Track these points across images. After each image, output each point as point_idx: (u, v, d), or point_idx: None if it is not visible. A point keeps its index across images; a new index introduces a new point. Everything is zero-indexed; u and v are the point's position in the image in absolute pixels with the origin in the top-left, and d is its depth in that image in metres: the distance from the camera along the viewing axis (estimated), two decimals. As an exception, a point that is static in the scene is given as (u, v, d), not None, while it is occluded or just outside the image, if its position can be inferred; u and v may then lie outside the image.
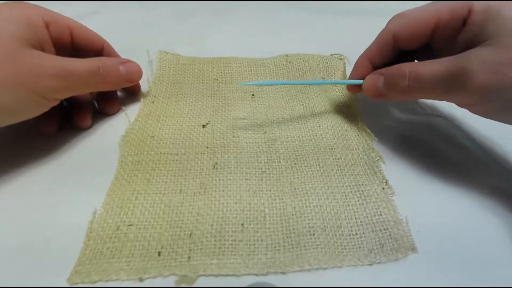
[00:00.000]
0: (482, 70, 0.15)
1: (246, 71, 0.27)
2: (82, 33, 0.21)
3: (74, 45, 0.21)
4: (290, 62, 0.28)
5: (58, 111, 0.20)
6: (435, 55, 0.19)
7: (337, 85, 0.26)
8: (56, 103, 0.19)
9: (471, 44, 0.17)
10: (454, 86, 0.16)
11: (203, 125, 0.22)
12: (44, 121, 0.20)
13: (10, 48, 0.16)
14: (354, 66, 0.21)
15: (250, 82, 0.22)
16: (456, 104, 0.18)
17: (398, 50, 0.20)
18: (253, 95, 0.25)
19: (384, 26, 0.20)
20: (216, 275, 0.15)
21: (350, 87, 0.22)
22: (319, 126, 0.23)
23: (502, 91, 0.15)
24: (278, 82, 0.21)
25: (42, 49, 0.18)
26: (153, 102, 0.24)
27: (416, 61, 0.22)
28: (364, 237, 0.17)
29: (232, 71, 0.27)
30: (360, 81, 0.21)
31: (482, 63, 0.15)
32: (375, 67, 0.21)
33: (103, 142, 0.21)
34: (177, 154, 0.20)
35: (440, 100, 0.18)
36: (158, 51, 0.28)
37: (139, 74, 0.22)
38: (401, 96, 0.19)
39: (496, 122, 0.18)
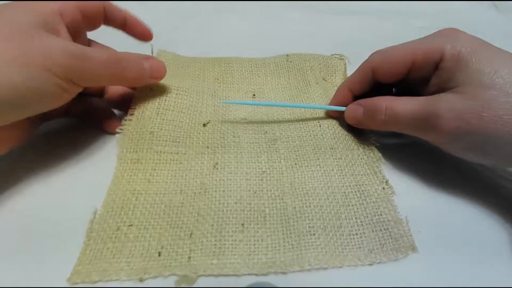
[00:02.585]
0: (449, 116, 0.17)
1: (247, 71, 0.27)
2: (92, 6, 0.20)
3: (89, 22, 0.20)
4: (291, 61, 0.28)
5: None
6: (410, 88, 0.21)
7: (335, 89, 0.26)
8: (76, 89, 0.17)
9: (442, 87, 0.18)
10: (424, 127, 0.18)
11: (204, 124, 0.22)
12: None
13: (19, 29, 0.16)
14: (336, 93, 0.23)
15: (233, 101, 0.23)
16: (426, 140, 0.19)
17: (377, 82, 0.21)
18: (254, 95, 0.25)
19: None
20: (216, 275, 0.16)
21: (332, 112, 0.23)
22: (320, 126, 0.23)
23: (466, 135, 0.17)
24: (262, 103, 0.23)
25: (58, 35, 0.18)
26: (151, 89, 0.22)
27: (394, 89, 0.23)
28: (365, 237, 0.17)
29: (233, 71, 0.27)
30: (343, 108, 0.22)
31: (450, 110, 0.17)
32: (355, 95, 0.22)
33: (101, 138, 0.21)
34: (178, 153, 0.20)
35: (413, 135, 0.19)
36: (158, 50, 0.28)
37: (163, 70, 0.21)
38: (378, 127, 0.20)
39: None
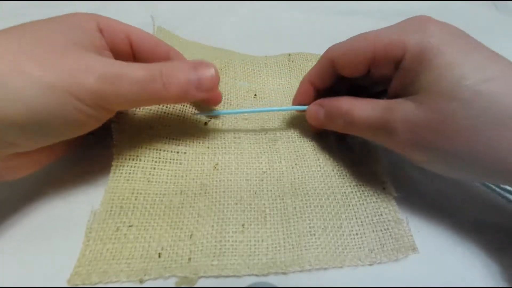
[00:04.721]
0: (404, 128, 0.15)
1: (249, 69, 0.26)
2: (141, 39, 0.18)
3: (134, 53, 0.18)
4: (292, 61, 0.28)
5: None
6: (378, 84, 0.19)
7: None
8: (107, 115, 0.15)
9: (402, 90, 0.16)
10: (381, 136, 0.16)
11: (205, 123, 0.21)
12: None
13: (55, 46, 0.14)
14: (298, 89, 0.21)
15: (204, 113, 0.21)
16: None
17: (339, 75, 0.19)
18: (255, 95, 0.25)
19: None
20: (216, 276, 0.15)
21: (299, 111, 0.22)
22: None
23: (422, 150, 0.15)
24: (234, 111, 0.22)
25: (98, 53, 0.16)
26: None
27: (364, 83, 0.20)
28: (365, 237, 0.17)
29: (235, 66, 0.26)
30: (305, 107, 0.20)
31: (405, 121, 0.15)
32: (318, 90, 0.20)
33: (101, 136, 0.21)
34: (178, 152, 0.20)
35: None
36: (157, 27, 0.25)
37: (214, 80, 0.17)
38: (340, 131, 0.19)
39: None
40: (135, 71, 0.15)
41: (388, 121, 0.15)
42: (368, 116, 0.16)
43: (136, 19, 0.33)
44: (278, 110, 0.23)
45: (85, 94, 0.14)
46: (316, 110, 0.19)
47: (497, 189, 0.20)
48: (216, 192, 0.18)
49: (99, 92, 0.14)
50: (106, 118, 0.16)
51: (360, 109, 0.17)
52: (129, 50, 0.18)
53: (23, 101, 0.13)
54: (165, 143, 0.20)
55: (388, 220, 0.18)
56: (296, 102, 0.21)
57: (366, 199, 0.19)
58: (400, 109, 0.15)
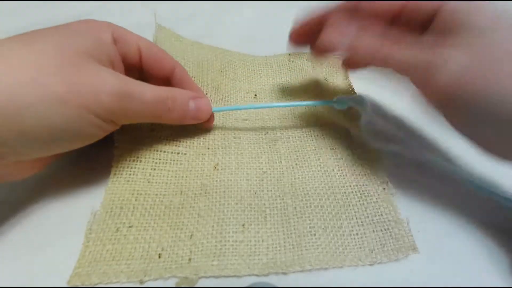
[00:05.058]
0: (447, 71, 0.14)
1: (249, 70, 0.26)
2: (150, 52, 0.19)
3: (141, 65, 0.19)
4: (293, 61, 0.28)
5: None
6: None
7: (341, 83, 0.26)
8: (114, 128, 0.16)
9: (445, 34, 0.15)
10: (418, 78, 0.15)
11: None
12: None
13: (69, 57, 0.14)
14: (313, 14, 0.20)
15: (219, 108, 0.21)
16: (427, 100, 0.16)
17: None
18: (255, 95, 0.25)
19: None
20: (217, 276, 0.15)
21: (317, 53, 0.19)
22: (320, 126, 0.23)
23: (457, 96, 0.14)
24: (239, 107, 0.22)
25: (112, 66, 0.17)
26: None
27: None
28: (365, 237, 0.17)
29: (235, 67, 0.26)
30: (330, 103, 0.20)
31: (449, 63, 0.14)
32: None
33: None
34: (178, 153, 0.20)
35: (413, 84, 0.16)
36: (158, 25, 0.26)
37: (208, 113, 0.20)
38: (371, 62, 0.17)
39: None
40: (145, 91, 0.16)
41: (431, 61, 0.14)
42: (411, 54, 0.15)
43: (136, 19, 0.34)
44: (304, 105, 0.23)
45: (101, 110, 0.15)
46: (346, 25, 0.17)
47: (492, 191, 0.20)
48: (216, 192, 0.18)
49: (113, 109, 0.15)
50: (112, 130, 0.17)
51: (403, 44, 0.16)
52: (138, 62, 0.19)
53: (39, 116, 0.13)
54: (166, 144, 0.20)
55: (388, 220, 0.18)
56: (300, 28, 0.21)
57: (366, 199, 0.19)
58: (444, 51, 0.14)
